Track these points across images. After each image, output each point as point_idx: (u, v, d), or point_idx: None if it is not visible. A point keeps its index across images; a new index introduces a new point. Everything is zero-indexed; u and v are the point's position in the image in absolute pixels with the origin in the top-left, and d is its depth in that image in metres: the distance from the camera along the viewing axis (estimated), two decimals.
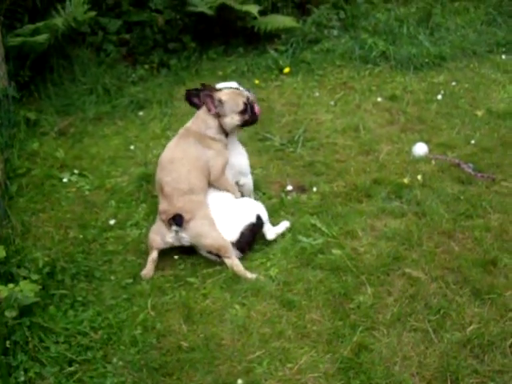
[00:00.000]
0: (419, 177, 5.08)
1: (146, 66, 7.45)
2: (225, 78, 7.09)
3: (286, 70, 7.04)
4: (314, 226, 4.59)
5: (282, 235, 4.53)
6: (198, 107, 4.46)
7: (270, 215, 4.57)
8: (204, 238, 4.21)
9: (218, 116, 4.31)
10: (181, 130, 4.51)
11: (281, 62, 7.19)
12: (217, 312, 3.86)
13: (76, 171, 5.59)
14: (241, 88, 4.62)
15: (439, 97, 6.49)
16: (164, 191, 4.24)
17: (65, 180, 5.44)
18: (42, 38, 6.14)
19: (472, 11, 8.70)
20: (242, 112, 4.34)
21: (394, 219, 4.64)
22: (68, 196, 5.28)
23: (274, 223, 4.55)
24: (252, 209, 4.41)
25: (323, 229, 4.53)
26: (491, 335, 3.52)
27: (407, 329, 3.64)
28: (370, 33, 7.72)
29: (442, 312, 3.73)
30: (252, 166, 5.23)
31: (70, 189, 5.38)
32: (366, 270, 4.09)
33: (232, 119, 4.34)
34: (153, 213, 4.77)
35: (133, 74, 7.27)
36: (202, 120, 4.37)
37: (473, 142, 5.59)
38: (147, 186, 5.22)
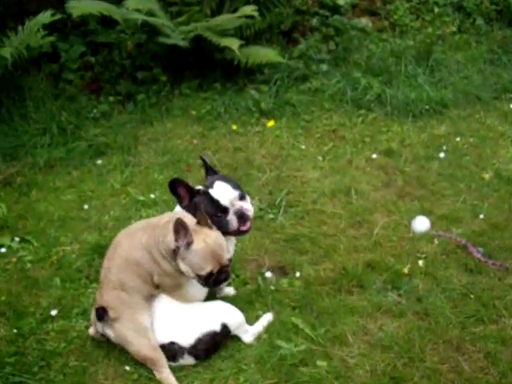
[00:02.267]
0: (420, 262, 4.44)
1: (111, 99, 6.68)
2: (199, 120, 6.39)
3: (270, 123, 6.25)
4: (295, 326, 3.93)
5: (259, 338, 3.88)
6: (180, 200, 3.75)
7: (244, 307, 3.98)
8: (128, 345, 3.62)
9: (174, 253, 3.48)
10: (149, 221, 3.86)
11: (262, 105, 6.43)
12: None
13: (19, 235, 4.87)
14: (240, 198, 3.82)
15: (441, 154, 5.79)
16: (100, 275, 3.72)
17: (3, 250, 4.69)
18: None
19: (474, 46, 7.99)
20: (202, 278, 3.50)
21: (391, 319, 3.99)
22: (6, 269, 4.58)
23: (250, 317, 3.95)
24: (217, 315, 3.73)
25: (307, 331, 3.88)
26: None
27: None
28: (363, 70, 7.00)
29: None
30: None
31: (10, 259, 4.67)
32: None
33: (187, 272, 3.50)
34: None
35: (94, 109, 6.49)
36: (166, 231, 3.54)
37: (481, 216, 4.93)
38: (99, 261, 4.46)
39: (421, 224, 4.84)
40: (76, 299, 4.24)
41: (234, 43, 6.10)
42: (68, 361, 3.77)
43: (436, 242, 4.66)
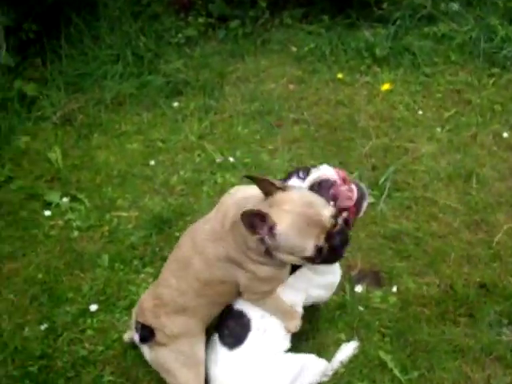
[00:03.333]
0: None
1: (201, 20, 5.86)
2: (299, 60, 5.54)
3: (386, 86, 5.26)
4: (383, 364, 3.23)
5: (335, 373, 3.20)
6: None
7: (323, 326, 3.43)
8: (169, 375, 2.95)
9: (267, 251, 2.60)
10: (212, 226, 2.82)
11: (376, 50, 5.47)
12: None
13: (70, 192, 4.30)
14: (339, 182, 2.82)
15: None
16: (159, 290, 2.95)
17: (47, 212, 4.10)
18: None
19: None
20: (309, 258, 2.57)
21: (503, 370, 3.23)
22: (49, 235, 4.05)
23: (328, 341, 3.35)
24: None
25: (396, 372, 3.19)
26: None
27: None
28: (501, 14, 5.89)
29: None
30: None
31: (56, 221, 4.14)
32: None
33: (292, 260, 2.63)
34: None
35: (179, 32, 5.71)
36: (239, 233, 2.66)
37: None
38: (158, 239, 3.86)
39: None
40: (124, 287, 3.69)
41: None
42: (103, 373, 3.24)
43: None
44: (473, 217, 4.15)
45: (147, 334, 2.88)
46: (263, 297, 2.90)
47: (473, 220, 4.13)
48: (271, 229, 2.47)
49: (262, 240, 2.52)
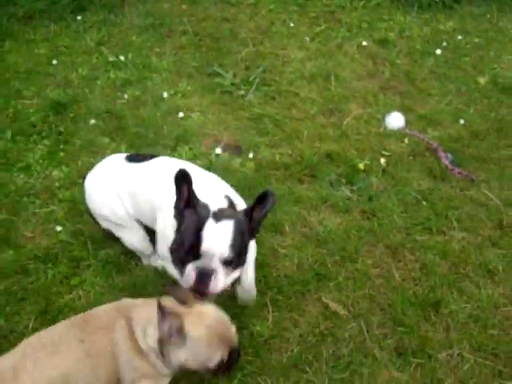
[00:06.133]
0: (382, 160, 4.19)
1: None
2: None
3: None
4: None
5: None
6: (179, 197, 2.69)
7: None
8: None
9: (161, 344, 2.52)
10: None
11: None
12: None
13: None
14: None
15: (438, 51, 5.40)
16: None
17: None
18: None
19: None
20: (209, 369, 2.56)
21: (335, 214, 3.82)
22: None
23: None
24: None
25: None
26: None
27: None
28: None
29: (350, 368, 2.98)
30: (189, 108, 4.43)
31: None
32: (276, 285, 3.35)
33: (185, 361, 2.54)
34: (51, 156, 4.01)
35: None
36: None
37: (462, 121, 4.61)
38: (55, 119, 4.40)
39: (395, 120, 4.58)
40: (22, 153, 4.17)
41: None
42: None
43: (406, 141, 4.40)
44: (328, 106, 4.71)
45: None
46: None
47: (328, 108, 4.70)
48: (180, 330, 2.44)
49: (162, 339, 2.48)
